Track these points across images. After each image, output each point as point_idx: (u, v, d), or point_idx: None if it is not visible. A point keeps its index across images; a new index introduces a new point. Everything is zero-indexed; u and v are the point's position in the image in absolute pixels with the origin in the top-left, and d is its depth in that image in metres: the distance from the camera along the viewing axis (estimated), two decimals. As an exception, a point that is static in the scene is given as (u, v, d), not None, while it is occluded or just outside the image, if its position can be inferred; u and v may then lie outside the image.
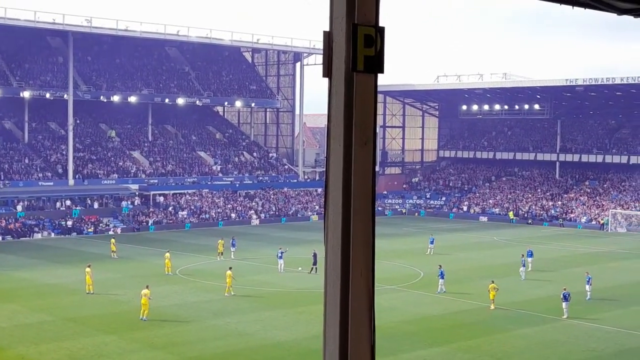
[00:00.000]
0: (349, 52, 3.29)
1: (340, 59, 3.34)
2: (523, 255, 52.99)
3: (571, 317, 39.16)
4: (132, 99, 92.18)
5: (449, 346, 33.70)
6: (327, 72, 3.42)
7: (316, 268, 51.37)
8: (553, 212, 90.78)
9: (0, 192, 77.25)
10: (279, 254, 53.24)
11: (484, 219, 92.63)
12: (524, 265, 51.21)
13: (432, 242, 63.12)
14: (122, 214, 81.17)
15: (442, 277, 45.82)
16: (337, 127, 3.37)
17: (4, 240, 69.85)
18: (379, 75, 3.46)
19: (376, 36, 3.34)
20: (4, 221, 73.29)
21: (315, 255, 51.65)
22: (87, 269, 45.19)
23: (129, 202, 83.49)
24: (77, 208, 79.33)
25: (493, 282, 42.38)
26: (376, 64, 3.37)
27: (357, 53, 3.31)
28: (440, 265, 47.35)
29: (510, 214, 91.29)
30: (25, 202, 77.69)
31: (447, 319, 39.21)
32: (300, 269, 52.53)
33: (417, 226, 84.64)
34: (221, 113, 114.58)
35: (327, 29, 3.39)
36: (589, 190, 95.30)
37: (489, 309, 41.14)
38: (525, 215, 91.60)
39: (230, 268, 45.45)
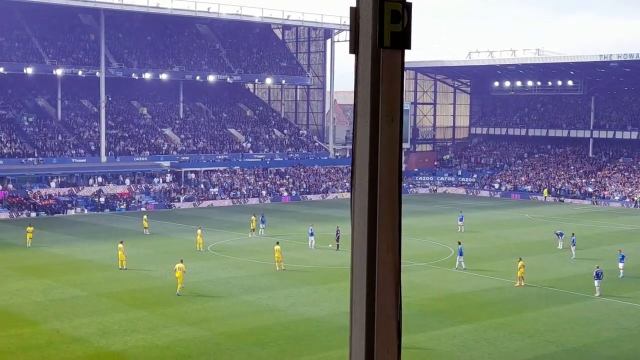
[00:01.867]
0: (375, 28, 3.27)
1: (366, 35, 3.32)
2: (573, 234, 52.45)
3: (603, 295, 38.87)
4: (164, 76, 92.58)
5: (479, 323, 33.66)
6: (354, 48, 3.41)
7: (338, 245, 51.72)
8: (586, 189, 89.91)
9: (34, 169, 78.24)
10: (310, 231, 53.57)
11: (516, 196, 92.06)
12: (573, 244, 50.70)
13: (461, 220, 62.86)
14: (154, 191, 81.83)
15: (461, 254, 45.73)
16: (363, 103, 3.37)
17: (38, 216, 70.80)
18: (407, 51, 3.44)
19: (403, 12, 3.32)
20: (38, 197, 74.29)
21: (337, 232, 52.12)
22: (120, 245, 45.72)
23: (161, 179, 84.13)
24: (110, 185, 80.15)
25: (521, 259, 42.14)
26: (403, 40, 3.35)
27: (384, 29, 3.28)
28: (459, 242, 47.31)
29: (545, 191, 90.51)
30: (59, 179, 78.62)
31: (477, 296, 39.14)
32: (330, 246, 52.72)
33: (448, 203, 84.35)
34: (252, 90, 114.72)
35: (354, 5, 3.38)
36: (622, 168, 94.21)
37: (517, 285, 40.98)
38: (558, 192, 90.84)
39: (277, 243, 46.07)
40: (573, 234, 52.08)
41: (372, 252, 3.38)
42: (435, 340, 30.94)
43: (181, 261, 39.57)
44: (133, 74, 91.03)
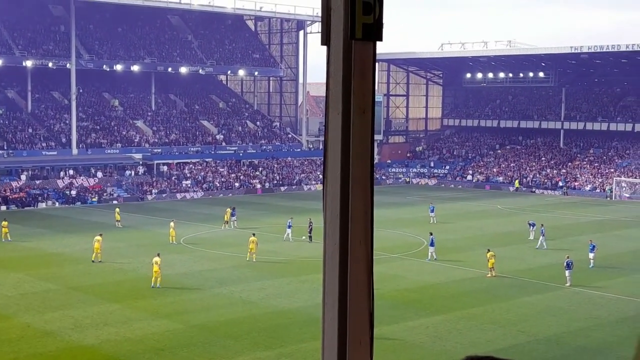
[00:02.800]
0: (347, 19, 3.27)
1: (338, 26, 3.31)
2: (543, 224, 52.82)
3: (574, 285, 39.31)
4: (135, 67, 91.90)
5: (452, 314, 33.89)
6: (326, 40, 3.40)
7: (311, 237, 51.80)
8: (557, 180, 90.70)
9: (4, 162, 77.38)
10: (289, 223, 53.37)
11: (487, 187, 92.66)
12: (543, 234, 51.04)
13: (432, 211, 63.05)
14: (126, 183, 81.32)
15: (432, 245, 45.99)
16: (335, 95, 3.36)
17: (8, 209, 70.08)
18: (379, 43, 3.44)
19: (374, 3, 3.31)
20: (9, 190, 73.51)
21: (310, 224, 52.21)
22: (98, 237, 45.13)
23: (133, 172, 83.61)
24: (82, 178, 79.49)
25: (489, 250, 42.43)
26: (375, 32, 3.34)
27: (355, 21, 3.28)
28: (431, 233, 47.60)
29: (516, 182, 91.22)
30: (30, 172, 77.84)
31: (450, 287, 39.39)
32: (303, 237, 52.77)
33: (420, 195, 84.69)
34: (224, 82, 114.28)
35: (325, -4, 3.37)
36: (593, 159, 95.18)
37: (488, 276, 41.27)
38: (530, 183, 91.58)
39: (253, 234, 45.99)
40: (542, 225, 52.57)
41: (344, 244, 3.38)
42: (408, 331, 31.11)
43: (158, 255, 39.41)
44: (104, 66, 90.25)
